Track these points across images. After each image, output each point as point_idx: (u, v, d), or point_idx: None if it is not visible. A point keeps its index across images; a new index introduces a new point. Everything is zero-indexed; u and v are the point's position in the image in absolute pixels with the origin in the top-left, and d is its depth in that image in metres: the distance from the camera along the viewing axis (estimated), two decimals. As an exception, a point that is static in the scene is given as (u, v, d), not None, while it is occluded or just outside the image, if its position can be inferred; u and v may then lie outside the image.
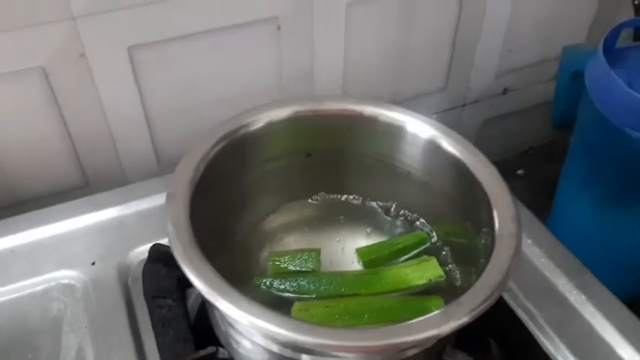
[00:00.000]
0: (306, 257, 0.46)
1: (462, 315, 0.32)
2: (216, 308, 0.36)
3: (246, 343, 0.39)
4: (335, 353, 0.33)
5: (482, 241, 0.38)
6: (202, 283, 0.32)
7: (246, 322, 0.31)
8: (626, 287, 0.57)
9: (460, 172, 0.41)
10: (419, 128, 0.43)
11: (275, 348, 0.35)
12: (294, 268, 0.46)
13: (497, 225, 0.37)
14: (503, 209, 0.37)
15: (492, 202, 0.38)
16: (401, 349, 0.33)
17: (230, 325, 0.38)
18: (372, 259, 0.46)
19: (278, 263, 0.46)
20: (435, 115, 0.72)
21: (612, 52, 0.67)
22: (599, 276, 0.54)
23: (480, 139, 0.92)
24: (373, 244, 0.47)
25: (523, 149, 0.99)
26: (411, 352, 0.35)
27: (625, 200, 0.66)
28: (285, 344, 0.34)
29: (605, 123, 0.62)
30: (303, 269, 0.46)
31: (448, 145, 0.42)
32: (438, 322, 0.31)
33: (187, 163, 0.38)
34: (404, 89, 0.79)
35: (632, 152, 0.60)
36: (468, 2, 0.74)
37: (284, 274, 0.45)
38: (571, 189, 0.74)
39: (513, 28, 0.80)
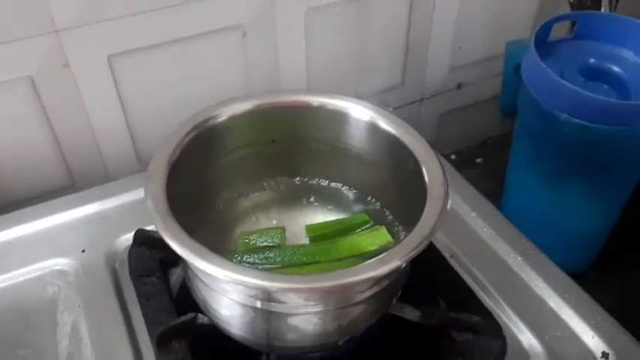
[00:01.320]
0: (272, 234, 0.52)
1: (396, 260, 0.38)
2: (193, 267, 0.42)
3: (221, 303, 0.44)
4: (289, 295, 0.39)
5: (419, 204, 0.44)
6: (179, 245, 0.38)
7: (219, 275, 0.37)
8: (569, 259, 0.64)
9: (397, 146, 0.48)
10: (360, 112, 0.50)
11: (247, 301, 0.41)
12: (262, 244, 0.51)
13: (428, 188, 0.43)
14: (433, 175, 0.44)
15: (424, 169, 0.45)
16: (346, 289, 0.39)
17: (206, 287, 0.44)
18: (318, 235, 0.52)
19: (247, 241, 0.52)
20: (391, 109, 0.78)
21: (546, 45, 0.74)
22: (544, 248, 0.60)
23: (439, 132, 1.00)
24: (321, 223, 0.53)
25: (481, 139, 1.06)
26: (360, 298, 0.42)
27: (562, 179, 0.73)
28: (251, 290, 0.40)
29: (540, 109, 0.69)
30: (270, 244, 0.52)
31: (385, 125, 0.49)
32: (375, 267, 0.38)
33: (162, 151, 0.45)
34: (365, 87, 0.85)
35: (565, 135, 0.67)
36: (418, 4, 0.81)
37: (253, 250, 0.51)
38: (517, 171, 0.81)
39: (461, 27, 0.87)
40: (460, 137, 1.03)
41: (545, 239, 0.61)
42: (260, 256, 0.50)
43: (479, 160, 1.04)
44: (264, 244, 0.52)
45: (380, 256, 0.39)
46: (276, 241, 0.52)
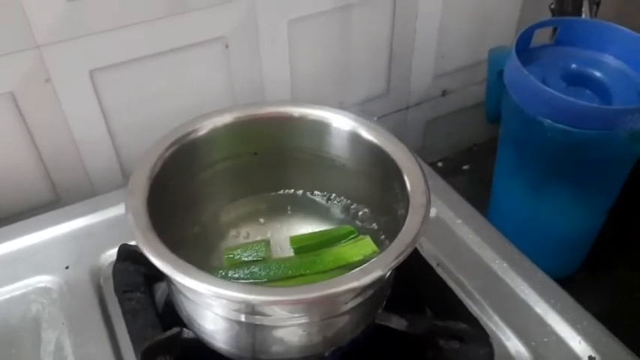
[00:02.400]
0: (257, 247, 0.51)
1: (378, 269, 0.38)
2: (175, 282, 0.42)
3: (205, 318, 0.44)
4: (273, 308, 0.39)
5: (402, 213, 0.44)
6: (161, 260, 0.38)
7: (202, 290, 0.37)
8: (556, 263, 0.64)
9: (379, 156, 0.47)
10: (342, 122, 0.50)
11: (230, 315, 0.41)
12: (247, 259, 0.51)
13: (410, 197, 0.43)
14: (415, 184, 0.44)
15: (406, 178, 0.45)
16: (330, 300, 0.39)
17: (190, 302, 0.44)
18: (302, 246, 0.52)
19: (232, 256, 0.51)
20: (376, 118, 0.79)
21: (528, 51, 0.75)
22: (530, 254, 0.60)
23: (425, 139, 1.00)
24: (305, 234, 0.53)
25: (467, 146, 1.07)
26: (344, 309, 0.42)
27: (547, 184, 0.74)
28: (234, 303, 0.39)
29: (522, 114, 0.69)
30: (256, 259, 0.51)
31: (366, 134, 0.49)
32: (358, 277, 0.38)
33: (143, 165, 0.44)
34: (349, 97, 0.86)
35: (547, 140, 0.68)
36: (400, 14, 0.82)
37: (238, 265, 0.51)
38: (502, 176, 0.81)
39: (444, 35, 0.88)
40: (446, 144, 1.04)
41: (532, 244, 0.62)
42: (245, 271, 0.49)
43: (465, 167, 1.04)
44: (250, 258, 0.51)
45: (362, 266, 0.38)
46: (261, 254, 0.51)
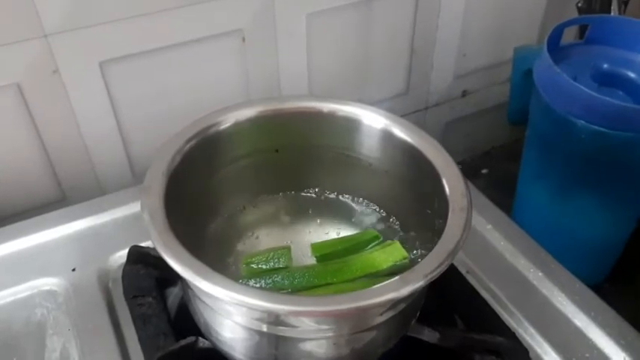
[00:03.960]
0: (278, 255, 0.48)
1: (418, 280, 0.35)
2: (194, 287, 0.39)
3: (225, 327, 0.41)
4: (300, 319, 0.36)
5: (438, 217, 0.41)
6: (179, 263, 0.35)
7: (223, 296, 0.34)
8: (583, 272, 0.60)
9: (413, 155, 0.44)
10: (374, 120, 0.46)
11: (252, 324, 0.38)
12: (267, 267, 0.47)
13: (449, 200, 0.40)
14: (454, 185, 0.41)
15: (444, 180, 0.41)
16: (365, 312, 0.36)
17: (209, 309, 0.40)
18: (325, 254, 0.48)
19: (253, 265, 0.47)
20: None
21: (558, 50, 0.71)
22: (558, 260, 0.57)
23: (443, 141, 0.96)
24: (327, 241, 0.49)
25: (486, 149, 1.03)
26: (378, 321, 0.38)
27: (576, 188, 0.71)
28: (257, 312, 0.36)
29: (552, 114, 0.66)
30: (276, 267, 0.47)
31: (400, 133, 0.45)
32: (397, 287, 0.34)
33: (161, 158, 0.41)
34: (367, 94, 0.82)
35: (578, 141, 0.65)
36: (423, 10, 0.78)
37: (258, 274, 0.47)
38: (528, 180, 0.78)
39: (466, 34, 0.85)
40: (464, 147, 1.00)
41: (558, 252, 0.58)
42: (267, 280, 0.46)
43: (484, 171, 1.01)
44: (270, 267, 0.48)
45: (401, 275, 0.35)
46: (283, 263, 0.48)
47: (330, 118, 0.47)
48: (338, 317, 0.36)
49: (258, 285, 0.46)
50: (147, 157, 0.70)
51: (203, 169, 0.46)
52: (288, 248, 0.49)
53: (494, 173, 1.00)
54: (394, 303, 0.38)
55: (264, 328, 0.38)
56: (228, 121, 0.45)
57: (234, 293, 0.34)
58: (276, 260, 0.47)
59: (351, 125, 0.47)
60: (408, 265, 0.47)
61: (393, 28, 0.78)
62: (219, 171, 0.47)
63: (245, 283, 0.45)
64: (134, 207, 0.60)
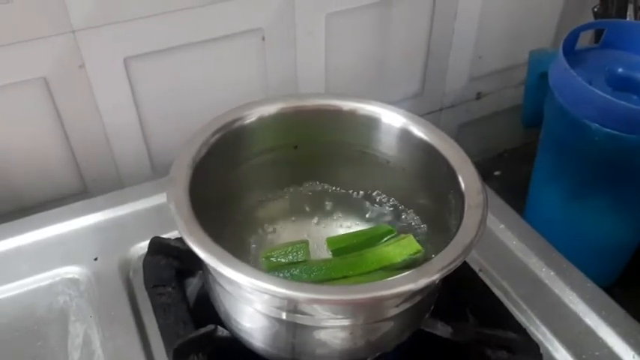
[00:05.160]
0: (297, 250, 0.49)
1: (434, 273, 0.36)
2: (216, 274, 0.40)
3: (245, 314, 0.42)
4: (319, 307, 0.37)
5: (453, 213, 0.42)
6: (205, 251, 0.36)
7: (246, 283, 0.35)
8: (594, 273, 0.61)
9: (430, 153, 0.45)
10: (393, 118, 0.48)
11: (272, 312, 0.39)
12: (286, 261, 0.48)
13: (465, 197, 0.41)
14: (470, 183, 0.42)
15: (460, 177, 0.42)
16: (382, 302, 0.37)
17: (230, 296, 0.41)
18: (340, 247, 0.49)
19: (272, 259, 0.48)
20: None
21: (574, 54, 0.72)
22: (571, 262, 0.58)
23: (457, 142, 0.97)
24: (342, 235, 0.50)
25: (499, 151, 1.04)
26: (394, 313, 0.39)
27: (588, 192, 0.71)
28: (278, 300, 0.37)
29: (568, 117, 0.67)
30: (295, 260, 0.48)
31: (418, 131, 0.46)
32: (414, 278, 0.35)
33: (186, 152, 0.42)
34: (383, 95, 0.83)
35: (593, 144, 0.65)
36: (440, 12, 0.79)
37: (277, 267, 0.48)
38: (541, 182, 0.78)
39: (482, 37, 0.85)
40: (478, 149, 1.01)
41: (569, 253, 0.59)
42: (285, 274, 0.47)
43: (497, 173, 1.01)
44: (289, 260, 0.49)
45: (418, 267, 0.36)
46: (301, 257, 0.49)
47: (350, 116, 0.49)
48: (356, 306, 0.38)
49: (277, 277, 0.47)
50: (166, 151, 0.71)
51: (226, 162, 0.47)
52: (306, 242, 0.50)
53: (507, 175, 1.00)
54: (410, 295, 0.39)
55: (284, 315, 0.39)
56: (252, 116, 0.47)
57: (259, 281, 0.35)
58: (294, 254, 0.49)
59: (370, 123, 0.49)
60: (421, 258, 0.48)
61: (410, 30, 0.79)
62: (241, 164, 0.49)
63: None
64: (154, 200, 0.62)
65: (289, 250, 0.49)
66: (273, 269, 0.48)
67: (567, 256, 0.58)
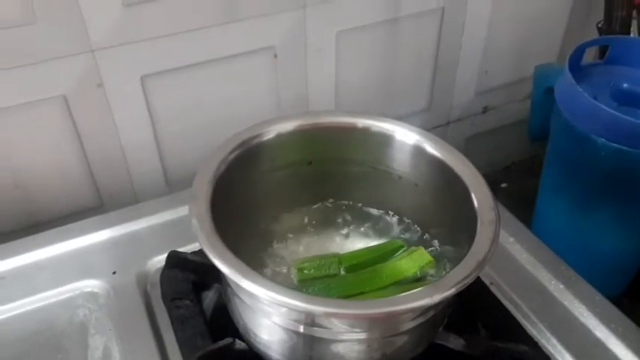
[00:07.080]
0: (329, 263, 0.50)
1: (448, 288, 0.37)
2: (236, 288, 0.41)
3: (263, 327, 0.43)
4: (336, 321, 0.38)
5: (465, 229, 0.43)
6: (226, 265, 0.37)
7: (265, 296, 0.36)
8: (600, 286, 0.62)
9: (442, 170, 0.47)
10: (406, 135, 0.49)
11: (290, 325, 0.40)
12: (319, 274, 0.49)
13: (478, 213, 0.42)
14: (482, 199, 0.43)
15: (472, 194, 0.44)
16: (399, 315, 0.38)
17: (248, 309, 0.43)
18: (354, 264, 0.50)
19: (306, 272, 0.49)
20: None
21: (579, 69, 0.74)
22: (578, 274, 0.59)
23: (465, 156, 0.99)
24: (355, 251, 0.52)
25: (505, 164, 1.05)
26: (409, 326, 0.40)
27: (595, 206, 0.72)
28: (296, 313, 0.38)
29: (573, 131, 0.68)
30: (328, 274, 0.49)
31: (431, 148, 0.48)
32: (430, 293, 0.37)
33: (207, 168, 0.44)
34: (391, 109, 0.85)
35: (598, 158, 0.66)
36: (447, 28, 0.81)
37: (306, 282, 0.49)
38: (547, 195, 0.79)
39: (488, 52, 0.87)
40: (485, 162, 1.01)
41: (576, 265, 0.60)
42: (307, 290, 0.48)
43: (503, 185, 1.03)
44: (322, 274, 0.50)
45: (433, 283, 0.37)
46: (333, 271, 0.50)
47: (364, 132, 0.50)
48: (375, 320, 0.39)
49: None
50: (180, 167, 0.73)
51: (244, 178, 0.48)
52: (337, 256, 0.51)
53: (514, 187, 1.01)
54: (425, 309, 0.40)
55: (302, 329, 0.41)
56: (270, 133, 0.48)
57: (277, 294, 0.36)
58: (327, 268, 0.49)
59: (383, 140, 0.50)
60: (432, 271, 0.49)
61: (419, 46, 0.81)
62: (257, 180, 0.50)
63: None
64: (169, 214, 0.63)
65: (322, 264, 0.50)
66: (305, 281, 0.49)
67: (574, 267, 0.59)
